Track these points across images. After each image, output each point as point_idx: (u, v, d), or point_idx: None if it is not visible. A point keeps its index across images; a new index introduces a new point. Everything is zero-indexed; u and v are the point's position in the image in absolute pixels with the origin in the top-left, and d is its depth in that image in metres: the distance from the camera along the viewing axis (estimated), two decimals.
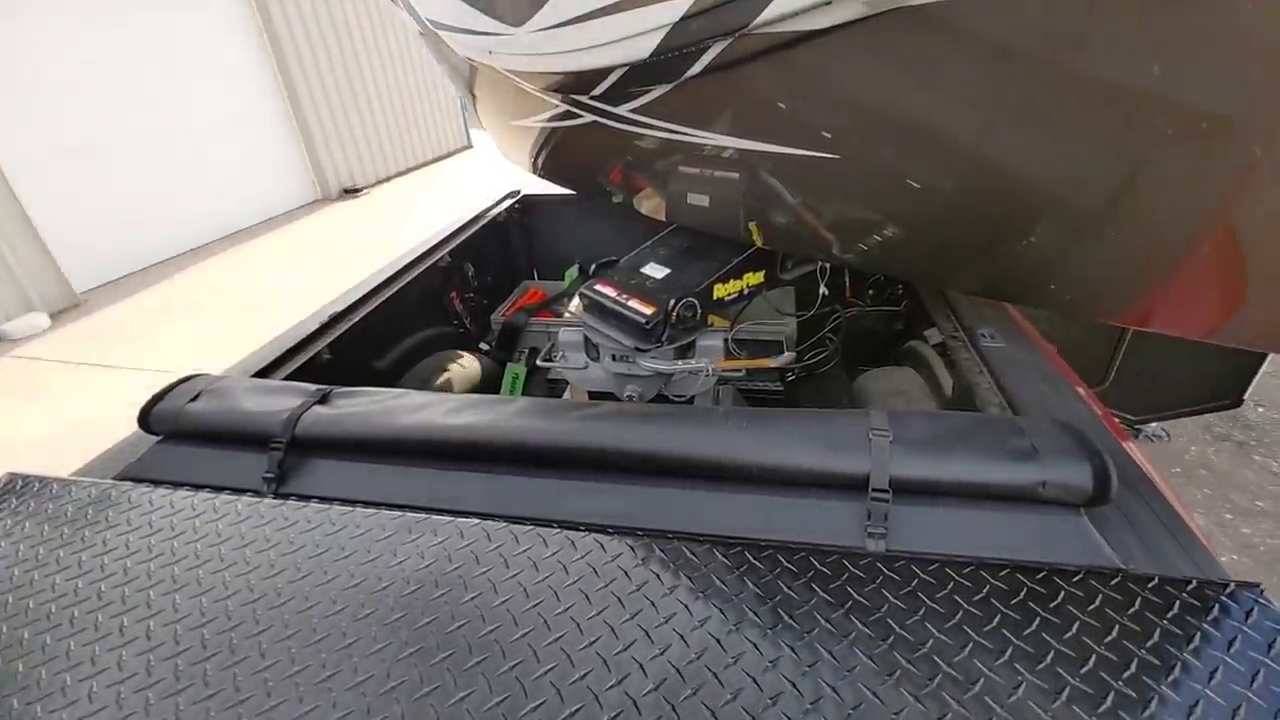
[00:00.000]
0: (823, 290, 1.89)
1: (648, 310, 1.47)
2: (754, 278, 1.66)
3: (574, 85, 1.31)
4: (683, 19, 0.96)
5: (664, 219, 1.76)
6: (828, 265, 1.82)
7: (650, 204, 1.73)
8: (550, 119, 1.57)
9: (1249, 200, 0.75)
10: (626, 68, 1.13)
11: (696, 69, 1.03)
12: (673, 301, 1.48)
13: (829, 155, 1.04)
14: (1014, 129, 0.87)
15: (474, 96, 1.96)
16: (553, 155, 1.87)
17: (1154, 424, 3.06)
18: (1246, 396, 2.32)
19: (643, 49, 1.05)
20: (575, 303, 1.71)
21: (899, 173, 1.02)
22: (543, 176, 2.17)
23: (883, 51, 0.85)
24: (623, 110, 1.28)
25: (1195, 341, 0.96)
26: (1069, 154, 0.84)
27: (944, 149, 0.95)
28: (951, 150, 0.94)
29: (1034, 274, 1.05)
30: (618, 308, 1.52)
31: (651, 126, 1.27)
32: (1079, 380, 1.26)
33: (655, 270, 1.63)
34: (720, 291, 1.60)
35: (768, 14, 0.87)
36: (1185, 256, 0.85)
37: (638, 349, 1.53)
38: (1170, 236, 0.85)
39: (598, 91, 1.26)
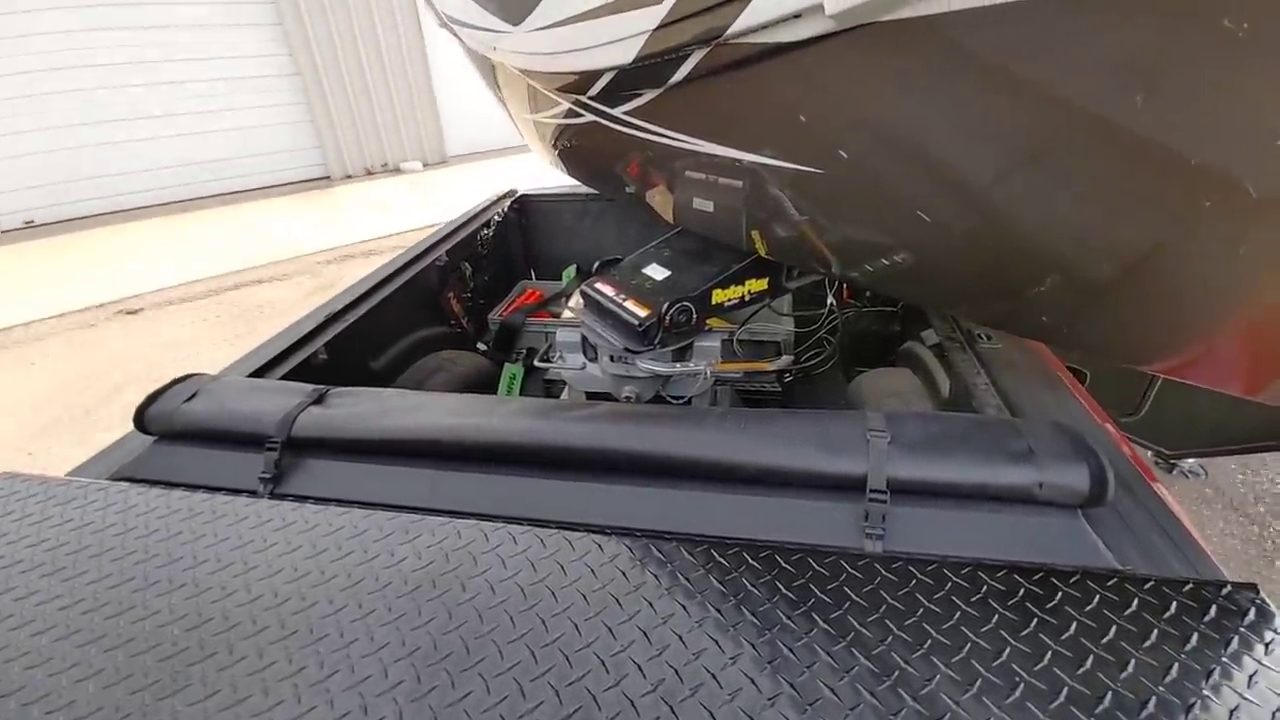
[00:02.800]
0: (830, 300, 1.89)
1: (641, 312, 1.47)
2: (756, 284, 1.66)
3: (572, 85, 1.31)
4: (660, 26, 0.96)
5: (671, 221, 1.76)
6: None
7: (659, 203, 1.73)
8: (558, 116, 1.57)
9: None
10: (615, 71, 1.13)
11: (680, 75, 1.03)
12: (666, 305, 1.48)
13: (814, 170, 1.03)
14: (991, 154, 0.83)
15: (496, 90, 1.95)
16: (565, 152, 1.87)
17: (1190, 460, 2.89)
18: None
19: (627, 54, 1.05)
20: (574, 301, 1.70)
21: (883, 193, 1.01)
22: (564, 172, 2.17)
23: (852, 66, 0.84)
24: (619, 112, 1.28)
25: None
26: (1056, 182, 0.80)
27: (920, 172, 0.93)
28: (929, 174, 0.92)
29: (1049, 316, 1.00)
30: (614, 307, 1.52)
31: (646, 130, 1.27)
32: (1076, 382, 1.26)
33: (656, 271, 1.63)
34: (719, 296, 1.60)
35: (739, 25, 0.86)
36: (1230, 316, 0.82)
37: (629, 350, 1.53)
38: (1214, 297, 0.80)
39: (593, 92, 1.27)
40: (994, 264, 1.00)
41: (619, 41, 1.04)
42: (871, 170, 0.98)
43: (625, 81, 1.16)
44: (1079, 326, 0.98)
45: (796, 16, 0.80)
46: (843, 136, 0.96)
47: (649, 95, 1.17)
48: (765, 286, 1.68)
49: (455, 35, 1.63)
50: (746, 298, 1.65)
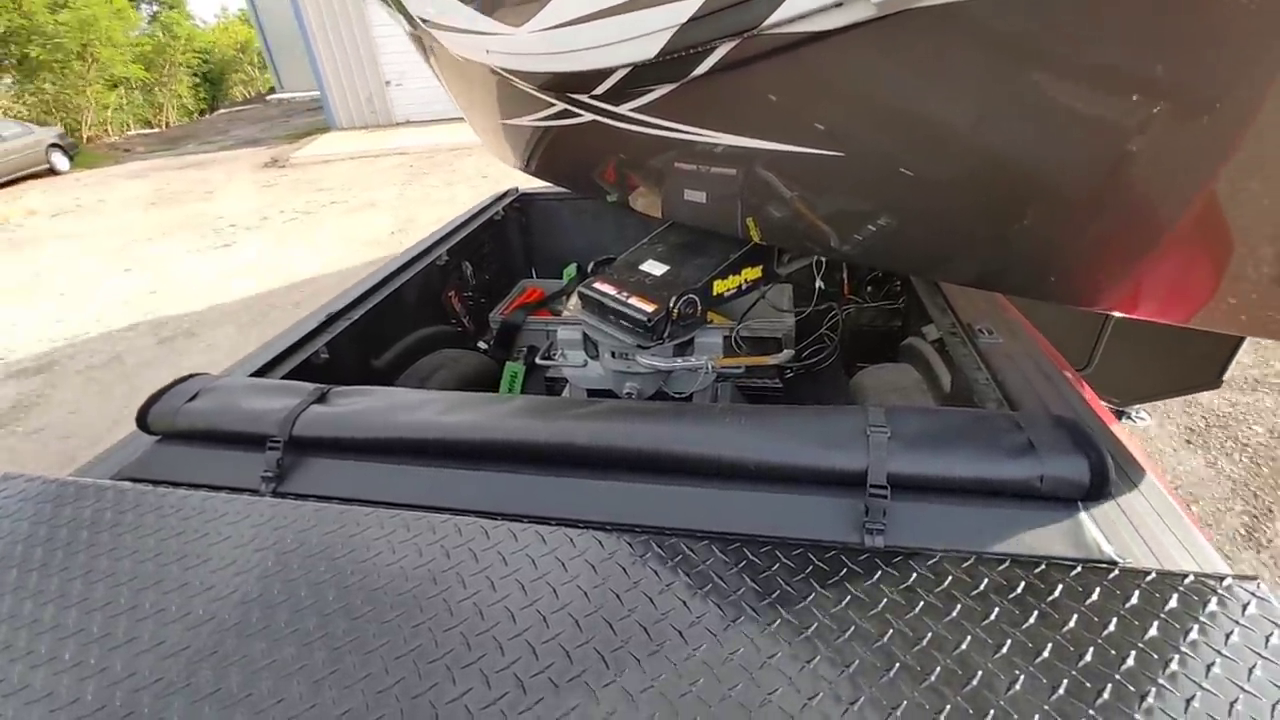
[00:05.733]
0: (819, 285, 1.89)
1: (649, 308, 1.47)
2: (751, 273, 1.67)
3: (575, 85, 1.31)
4: (692, 19, 0.96)
5: (660, 216, 1.76)
6: (824, 260, 1.82)
7: (646, 201, 1.73)
8: (546, 118, 1.56)
9: (1223, 186, 0.75)
10: (630, 67, 1.13)
11: (703, 69, 1.03)
12: (674, 299, 1.48)
13: (835, 153, 1.04)
14: (1014, 124, 0.87)
15: (463, 96, 1.95)
16: (547, 155, 1.87)
17: (1137, 407, 3.12)
18: (1226, 377, 2.35)
19: (649, 49, 1.04)
20: (574, 300, 1.71)
21: (901, 168, 1.02)
22: (534, 175, 2.17)
23: (892, 52, 0.85)
24: (624, 109, 1.28)
25: (1175, 327, 0.97)
26: (1062, 143, 0.85)
27: (946, 144, 0.95)
28: (952, 145, 0.95)
29: (1026, 263, 1.05)
30: (618, 306, 1.52)
31: (653, 125, 1.27)
32: (1077, 375, 1.26)
33: (654, 267, 1.63)
34: (720, 287, 1.60)
35: (779, 15, 0.87)
36: (1163, 242, 0.86)
37: (639, 346, 1.53)
38: (1150, 222, 0.85)
39: (599, 91, 1.26)
40: (984, 218, 1.04)
41: (640, 38, 1.03)
42: (895, 151, 1.00)
43: (639, 78, 1.15)
44: (1047, 271, 1.03)
45: (839, 4, 0.81)
46: (871, 121, 0.98)
47: (662, 90, 1.17)
48: (759, 274, 1.69)
49: (433, 39, 1.61)
50: (744, 286, 1.66)
